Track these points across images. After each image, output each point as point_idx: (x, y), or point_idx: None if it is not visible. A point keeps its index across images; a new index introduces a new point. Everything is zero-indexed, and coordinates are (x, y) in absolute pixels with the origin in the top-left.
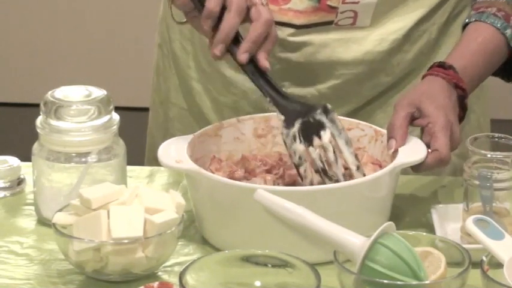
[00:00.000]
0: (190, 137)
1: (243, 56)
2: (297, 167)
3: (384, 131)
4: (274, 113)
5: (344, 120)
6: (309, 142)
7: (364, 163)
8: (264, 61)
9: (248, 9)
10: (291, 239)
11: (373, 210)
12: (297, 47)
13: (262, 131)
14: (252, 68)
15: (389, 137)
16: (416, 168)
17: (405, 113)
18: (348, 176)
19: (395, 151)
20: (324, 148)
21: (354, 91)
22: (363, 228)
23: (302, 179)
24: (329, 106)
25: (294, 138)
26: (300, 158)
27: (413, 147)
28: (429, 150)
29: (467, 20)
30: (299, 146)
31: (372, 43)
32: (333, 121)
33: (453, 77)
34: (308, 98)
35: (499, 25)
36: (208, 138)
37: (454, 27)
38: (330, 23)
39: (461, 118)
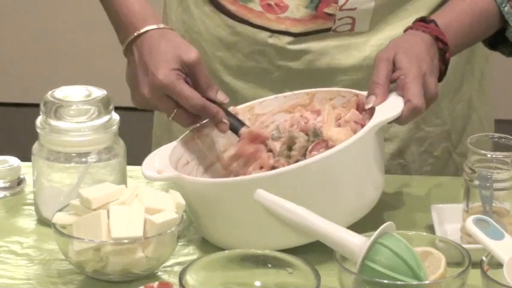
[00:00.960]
0: (173, 144)
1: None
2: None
3: (363, 93)
4: (256, 101)
5: (326, 91)
6: None
7: (347, 121)
8: (220, 128)
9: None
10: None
11: (365, 172)
12: (296, 55)
13: (248, 120)
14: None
15: (370, 94)
16: (396, 122)
17: (386, 70)
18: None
19: (372, 108)
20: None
21: None
22: (357, 195)
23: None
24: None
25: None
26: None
27: (389, 103)
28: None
29: None
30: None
31: (371, 49)
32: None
33: (433, 30)
34: None
35: None
36: (195, 141)
37: None
38: (328, 30)
39: (442, 72)
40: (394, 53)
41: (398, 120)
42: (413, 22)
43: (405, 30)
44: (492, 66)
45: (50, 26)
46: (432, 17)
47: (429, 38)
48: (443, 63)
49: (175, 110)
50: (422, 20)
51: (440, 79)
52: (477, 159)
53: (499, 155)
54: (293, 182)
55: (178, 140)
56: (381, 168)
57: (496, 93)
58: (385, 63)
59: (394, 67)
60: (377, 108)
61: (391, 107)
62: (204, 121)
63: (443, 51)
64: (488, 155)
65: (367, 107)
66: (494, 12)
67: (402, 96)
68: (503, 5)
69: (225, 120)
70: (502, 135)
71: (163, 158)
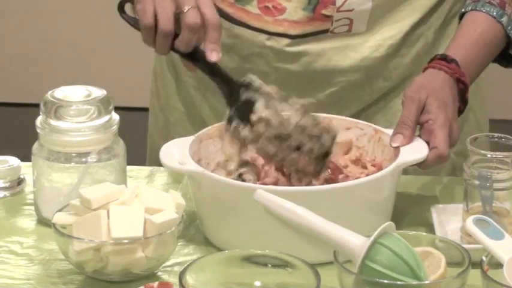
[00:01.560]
0: (191, 138)
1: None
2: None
3: (383, 130)
4: None
5: (343, 120)
6: (249, 122)
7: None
8: (209, 53)
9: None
10: (291, 239)
11: (375, 210)
12: (294, 57)
13: None
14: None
15: (397, 132)
16: (418, 166)
17: (417, 112)
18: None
19: (398, 148)
20: (264, 119)
21: (352, 97)
22: (365, 228)
23: (272, 159)
24: (245, 80)
25: (237, 128)
26: (253, 141)
27: (414, 146)
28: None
29: (463, 10)
30: (245, 132)
31: (369, 49)
32: (257, 91)
33: (455, 71)
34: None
35: (494, 13)
36: (209, 140)
37: (451, 30)
38: (325, 31)
39: (461, 111)
40: (426, 95)
41: (422, 165)
42: (433, 59)
43: (425, 68)
44: (488, 66)
45: (50, 26)
46: (450, 53)
47: (450, 79)
48: (463, 103)
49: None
50: (442, 58)
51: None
52: (477, 159)
53: (499, 155)
54: (314, 201)
55: (195, 135)
56: (392, 203)
57: (492, 93)
58: (416, 104)
59: (424, 108)
60: (402, 149)
61: (415, 149)
62: (217, 124)
63: (463, 91)
64: (488, 155)
65: (394, 145)
66: (501, 36)
67: (427, 141)
68: (509, 28)
69: (219, 51)
70: (502, 135)
71: (183, 151)
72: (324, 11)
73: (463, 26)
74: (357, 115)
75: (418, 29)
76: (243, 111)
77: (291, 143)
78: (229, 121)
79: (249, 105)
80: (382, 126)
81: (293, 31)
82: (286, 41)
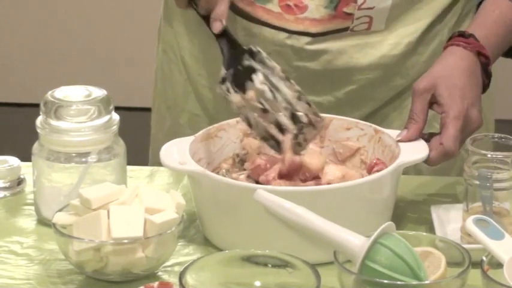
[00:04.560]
0: (191, 138)
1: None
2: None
3: (383, 130)
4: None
5: (343, 120)
6: (242, 90)
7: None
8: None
9: None
10: (291, 239)
11: (375, 210)
12: (314, 55)
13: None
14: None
15: (404, 127)
16: (424, 162)
17: (421, 105)
18: (291, 109)
19: (400, 141)
20: (259, 90)
21: (369, 95)
22: (365, 228)
23: (251, 127)
24: (254, 48)
25: (228, 91)
26: (238, 107)
27: (415, 146)
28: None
29: None
30: (234, 97)
31: (387, 47)
32: (262, 62)
33: (475, 45)
34: (324, 105)
35: None
36: (209, 140)
37: (464, 28)
38: (345, 29)
39: (486, 86)
40: (432, 85)
41: (428, 161)
42: (452, 37)
43: (445, 47)
44: (492, 67)
45: (50, 26)
46: (469, 31)
47: (470, 54)
48: (486, 76)
49: None
50: (460, 34)
51: (483, 91)
52: (477, 159)
53: (499, 155)
54: (314, 201)
55: (196, 135)
56: (392, 203)
57: (496, 93)
58: (422, 94)
59: (436, 100)
60: (403, 149)
61: (415, 149)
62: (217, 124)
63: (486, 64)
64: (488, 155)
65: (397, 139)
66: None
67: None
68: None
69: (224, 21)
70: (502, 135)
71: (183, 151)
72: (345, 9)
73: (482, 8)
74: (372, 114)
75: (435, 27)
76: (240, 76)
77: (274, 120)
78: (223, 81)
79: (249, 73)
80: (396, 125)
81: (314, 29)
82: (306, 39)
